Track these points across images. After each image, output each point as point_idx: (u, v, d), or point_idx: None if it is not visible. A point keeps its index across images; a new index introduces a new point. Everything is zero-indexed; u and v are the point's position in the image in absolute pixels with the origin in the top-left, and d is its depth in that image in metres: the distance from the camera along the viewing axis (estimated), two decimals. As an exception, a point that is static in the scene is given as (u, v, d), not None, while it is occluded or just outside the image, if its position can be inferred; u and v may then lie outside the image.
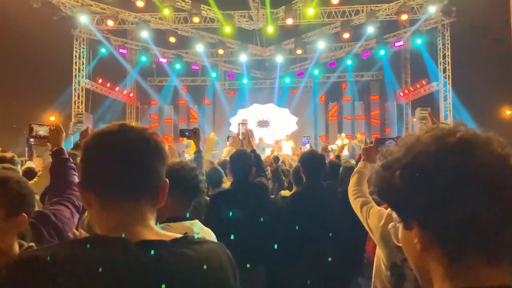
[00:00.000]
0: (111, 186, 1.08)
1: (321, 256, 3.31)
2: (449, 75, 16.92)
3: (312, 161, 3.74)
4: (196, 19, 16.00)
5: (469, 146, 0.77)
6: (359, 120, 20.88)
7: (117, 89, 19.91)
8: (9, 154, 3.95)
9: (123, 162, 1.08)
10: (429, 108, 16.20)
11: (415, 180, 0.78)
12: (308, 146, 7.47)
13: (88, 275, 0.93)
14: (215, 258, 1.13)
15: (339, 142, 15.85)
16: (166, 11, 15.66)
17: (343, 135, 16.28)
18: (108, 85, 19.40)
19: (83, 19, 15.94)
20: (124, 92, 20.61)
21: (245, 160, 3.48)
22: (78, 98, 17.85)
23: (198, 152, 3.57)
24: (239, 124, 4.33)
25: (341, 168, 4.20)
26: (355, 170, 2.91)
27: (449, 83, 16.89)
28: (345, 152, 14.06)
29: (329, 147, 13.39)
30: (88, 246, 0.98)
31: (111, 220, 1.07)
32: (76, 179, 2.29)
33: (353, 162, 4.79)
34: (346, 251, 3.48)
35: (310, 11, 15.70)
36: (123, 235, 1.02)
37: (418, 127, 16.06)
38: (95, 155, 1.12)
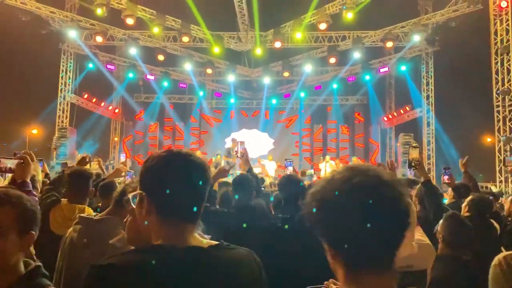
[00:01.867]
0: (175, 209, 1.32)
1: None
2: (432, 102, 17.31)
3: (288, 187, 3.76)
4: (185, 39, 16.13)
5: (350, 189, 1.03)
6: (343, 143, 21.12)
7: (102, 104, 19.83)
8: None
9: (189, 188, 1.33)
10: (412, 134, 16.51)
11: (320, 211, 1.06)
12: (291, 168, 7.48)
13: (152, 278, 1.19)
14: (245, 261, 1.38)
15: (322, 165, 15.97)
16: (156, 30, 15.77)
17: (327, 157, 16.40)
18: (94, 100, 19.32)
19: (72, 34, 15.95)
20: (110, 108, 20.52)
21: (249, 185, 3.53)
22: (63, 112, 17.70)
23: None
24: (237, 142, 4.41)
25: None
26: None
27: (432, 110, 17.27)
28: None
29: (308, 172, 13.49)
30: (149, 252, 1.25)
31: (167, 232, 1.31)
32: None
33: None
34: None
35: (298, 35, 15.99)
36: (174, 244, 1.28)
37: (401, 152, 16.30)
38: (161, 177, 1.33)
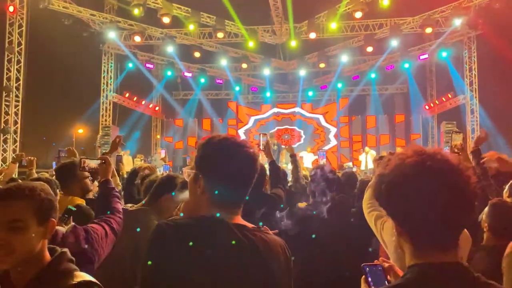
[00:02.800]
0: (225, 191, 1.48)
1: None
2: (475, 88, 16.64)
3: (319, 177, 3.77)
4: (220, 35, 16.28)
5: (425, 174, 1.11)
6: (383, 134, 20.65)
7: (143, 102, 20.40)
8: (45, 175, 4.17)
9: (240, 174, 1.51)
10: (455, 122, 15.95)
11: (390, 193, 1.16)
12: (324, 159, 7.44)
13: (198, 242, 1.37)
14: (280, 248, 1.53)
15: (362, 156, 15.72)
16: (191, 27, 16.00)
17: (366, 148, 16.10)
18: (135, 98, 19.90)
19: (112, 35, 16.45)
20: (150, 106, 21.08)
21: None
22: (106, 111, 18.35)
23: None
24: (260, 135, 4.47)
25: (357, 182, 4.21)
26: (369, 184, 2.94)
27: (475, 97, 16.60)
28: (370, 165, 13.95)
29: (345, 165, 13.29)
30: (200, 220, 1.45)
31: (217, 210, 1.47)
32: (119, 206, 2.57)
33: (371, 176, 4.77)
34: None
35: (333, 25, 15.75)
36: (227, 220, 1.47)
37: (443, 140, 15.78)
38: (217, 161, 1.49)
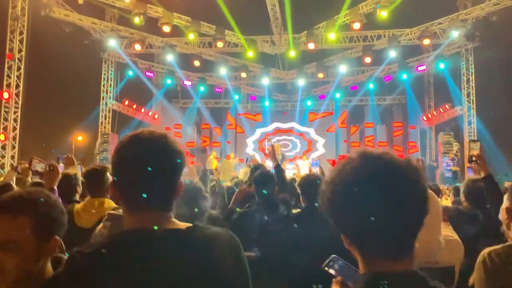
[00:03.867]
0: (135, 198, 1.24)
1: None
2: (473, 100, 16.75)
3: (308, 186, 3.81)
4: (220, 44, 16.40)
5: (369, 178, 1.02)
6: (381, 144, 20.72)
7: (142, 110, 20.50)
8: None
9: (144, 177, 1.23)
10: (452, 133, 16.03)
11: (330, 203, 1.08)
12: (318, 168, 7.47)
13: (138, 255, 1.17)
14: (223, 240, 1.31)
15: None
16: (191, 36, 16.14)
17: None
18: (134, 106, 20.00)
19: (112, 43, 16.58)
20: (149, 114, 21.18)
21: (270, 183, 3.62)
22: (105, 118, 18.44)
23: (203, 170, 3.85)
24: (265, 140, 4.54)
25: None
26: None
27: (473, 108, 16.70)
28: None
29: None
30: (133, 236, 1.23)
31: (134, 220, 1.27)
32: None
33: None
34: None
35: (332, 36, 15.89)
36: (155, 227, 1.23)
37: (441, 151, 15.85)
38: (119, 170, 1.29)
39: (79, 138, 30.65)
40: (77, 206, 3.26)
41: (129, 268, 1.14)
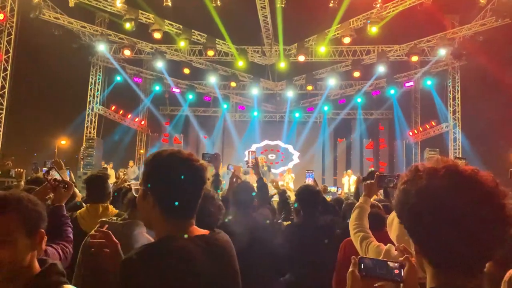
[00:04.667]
0: (177, 207, 1.51)
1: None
2: (458, 117, 17.00)
3: (307, 196, 3.79)
4: (210, 53, 16.40)
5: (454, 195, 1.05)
6: (367, 158, 20.89)
7: (129, 116, 20.29)
8: (39, 176, 4.17)
9: (187, 190, 1.54)
10: (438, 149, 16.22)
11: (415, 216, 1.10)
12: (311, 180, 7.42)
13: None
14: (228, 239, 1.69)
15: (345, 179, 15.82)
16: (182, 44, 16.10)
17: (349, 171, 16.25)
18: (121, 112, 19.79)
19: (102, 47, 16.43)
20: (136, 120, 20.98)
21: (248, 193, 3.54)
22: (91, 123, 18.18)
23: (216, 175, 3.86)
24: (248, 152, 4.46)
25: (343, 204, 4.23)
26: (356, 205, 2.97)
27: (458, 125, 16.94)
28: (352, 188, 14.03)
29: (328, 189, 13.32)
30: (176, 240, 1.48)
31: (171, 226, 1.53)
32: (71, 236, 2.49)
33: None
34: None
35: (322, 49, 16.02)
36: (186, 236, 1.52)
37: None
38: (162, 181, 1.53)
39: (63, 142, 30.28)
40: (80, 211, 3.38)
41: (176, 270, 1.40)
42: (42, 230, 1.58)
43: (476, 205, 1.02)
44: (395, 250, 1.41)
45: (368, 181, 3.03)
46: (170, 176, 1.52)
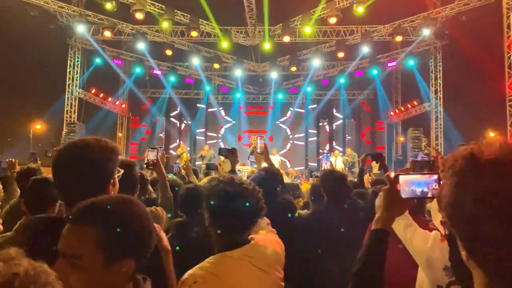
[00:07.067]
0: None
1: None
2: (440, 97, 17.26)
3: (334, 181, 3.77)
4: (194, 34, 16.04)
5: None
6: (350, 138, 21.12)
7: (110, 99, 19.80)
8: (33, 165, 3.90)
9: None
10: (421, 129, 16.49)
11: (475, 216, 0.88)
12: (328, 162, 7.27)
13: None
14: None
15: (332, 159, 15.94)
16: (165, 24, 15.69)
17: (336, 152, 16.38)
18: (101, 95, 19.28)
19: (80, 29, 15.86)
20: (117, 103, 20.50)
21: (274, 181, 3.49)
22: (71, 107, 17.66)
23: (231, 171, 3.67)
24: (257, 137, 4.30)
25: (370, 189, 4.23)
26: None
27: (440, 105, 17.22)
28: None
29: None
30: None
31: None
32: None
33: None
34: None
35: (308, 30, 15.89)
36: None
37: (410, 147, 16.28)
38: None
39: (38, 126, 29.42)
40: None
41: None
42: (131, 260, 1.20)
43: None
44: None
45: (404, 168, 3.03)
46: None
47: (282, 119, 21.30)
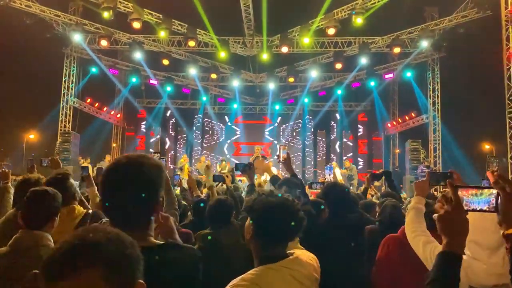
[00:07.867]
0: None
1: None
2: (438, 108, 17.22)
3: (335, 194, 3.62)
4: (191, 43, 15.95)
5: None
6: (347, 150, 21.03)
7: (105, 109, 19.62)
8: (35, 176, 3.66)
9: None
10: (419, 140, 16.41)
11: None
12: (331, 174, 7.17)
13: None
14: (187, 260, 1.60)
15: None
16: (162, 34, 15.59)
17: (334, 163, 16.21)
18: (97, 105, 19.09)
19: (77, 37, 15.71)
20: (112, 113, 20.32)
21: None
22: (66, 117, 17.43)
23: (251, 185, 3.85)
24: (280, 146, 4.17)
25: (381, 201, 4.07)
26: (410, 206, 2.82)
27: (438, 116, 17.17)
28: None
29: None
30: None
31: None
32: None
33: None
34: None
35: (306, 41, 15.84)
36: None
37: (409, 158, 16.16)
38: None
39: (31, 136, 29.07)
40: None
41: None
42: (141, 282, 1.05)
43: None
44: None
45: (420, 179, 2.89)
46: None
47: (278, 130, 21.17)
